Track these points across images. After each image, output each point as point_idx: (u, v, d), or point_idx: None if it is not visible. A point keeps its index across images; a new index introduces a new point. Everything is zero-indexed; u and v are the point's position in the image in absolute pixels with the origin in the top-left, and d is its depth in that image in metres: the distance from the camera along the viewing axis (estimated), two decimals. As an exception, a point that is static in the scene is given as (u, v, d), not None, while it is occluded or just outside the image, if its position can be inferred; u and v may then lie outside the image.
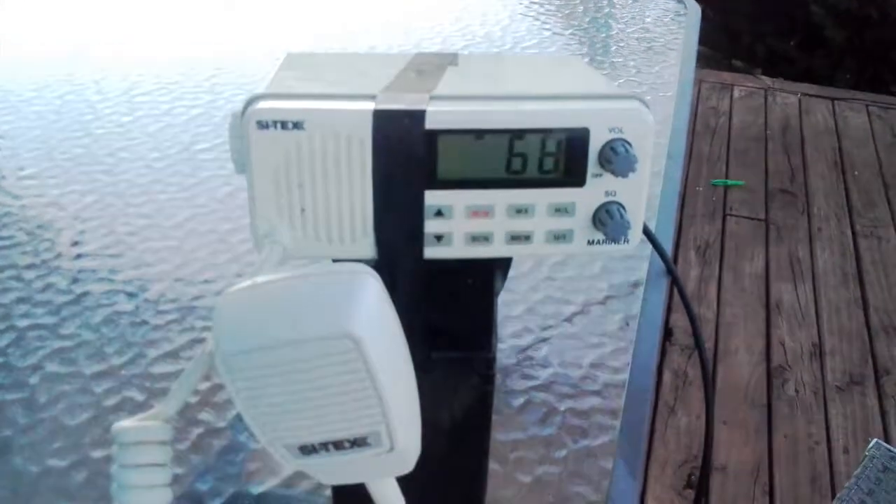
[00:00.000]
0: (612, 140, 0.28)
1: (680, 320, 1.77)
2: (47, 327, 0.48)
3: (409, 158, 0.28)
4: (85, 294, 0.51)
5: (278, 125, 0.27)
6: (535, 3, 0.94)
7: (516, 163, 0.29)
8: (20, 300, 0.50)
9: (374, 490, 0.29)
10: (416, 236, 0.29)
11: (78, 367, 0.45)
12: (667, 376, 1.63)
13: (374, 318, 0.24)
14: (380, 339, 0.24)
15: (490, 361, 0.32)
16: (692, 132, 2.50)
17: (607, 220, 0.29)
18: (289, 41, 0.84)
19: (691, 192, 2.22)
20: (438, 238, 0.30)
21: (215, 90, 0.74)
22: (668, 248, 0.53)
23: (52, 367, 0.45)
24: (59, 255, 0.54)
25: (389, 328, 0.25)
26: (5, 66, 0.77)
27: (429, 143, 0.28)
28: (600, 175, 0.29)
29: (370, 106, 0.28)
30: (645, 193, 0.30)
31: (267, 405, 0.25)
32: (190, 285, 0.51)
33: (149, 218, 0.57)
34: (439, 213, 0.29)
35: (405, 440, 0.26)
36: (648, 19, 0.89)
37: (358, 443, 0.26)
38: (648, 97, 0.73)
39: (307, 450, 0.26)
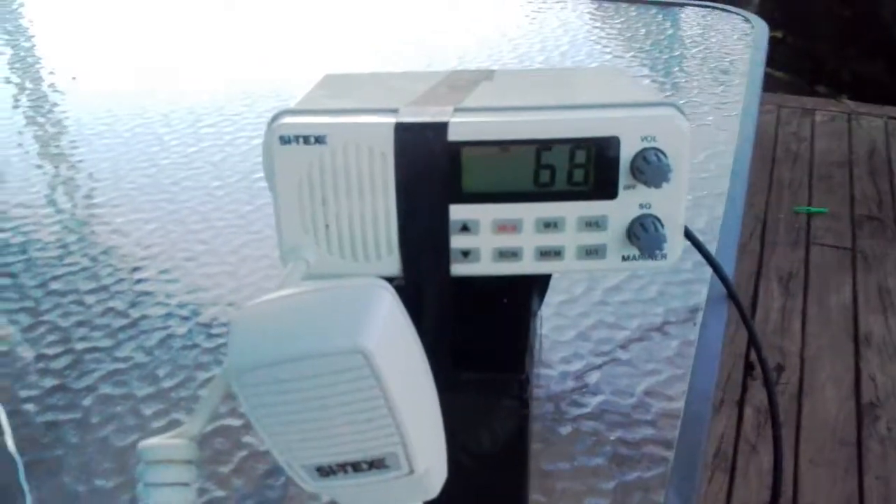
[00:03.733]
0: (644, 149, 0.27)
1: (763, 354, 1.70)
2: (104, 350, 0.49)
3: (432, 172, 0.27)
4: (142, 318, 0.52)
5: (301, 140, 0.27)
6: (596, 27, 0.93)
7: (544, 175, 0.28)
8: (80, 324, 0.51)
9: (400, 517, 0.28)
10: (441, 252, 0.29)
11: (130, 388, 0.46)
12: (748, 412, 1.56)
13: (387, 332, 0.23)
14: (393, 355, 0.23)
15: (523, 383, 0.30)
16: (773, 159, 2.42)
17: (641, 233, 0.28)
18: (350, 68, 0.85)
19: (773, 220, 2.14)
20: (465, 254, 0.29)
21: (276, 120, 0.75)
22: (730, 272, 0.51)
23: (105, 388, 0.46)
24: (119, 280, 0.55)
25: (405, 343, 0.24)
26: (80, 101, 0.81)
27: (452, 155, 0.27)
28: (633, 186, 0.28)
29: (392, 119, 0.27)
30: (682, 205, 0.28)
31: (281, 423, 0.24)
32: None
33: (206, 244, 0.58)
34: (465, 228, 0.28)
35: (426, 464, 0.25)
36: (713, 40, 0.87)
37: (376, 465, 0.25)
38: (710, 117, 0.71)
39: (325, 471, 0.25)
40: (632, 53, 0.84)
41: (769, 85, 2.83)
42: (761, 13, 0.97)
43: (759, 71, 0.79)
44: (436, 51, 0.90)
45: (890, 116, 2.62)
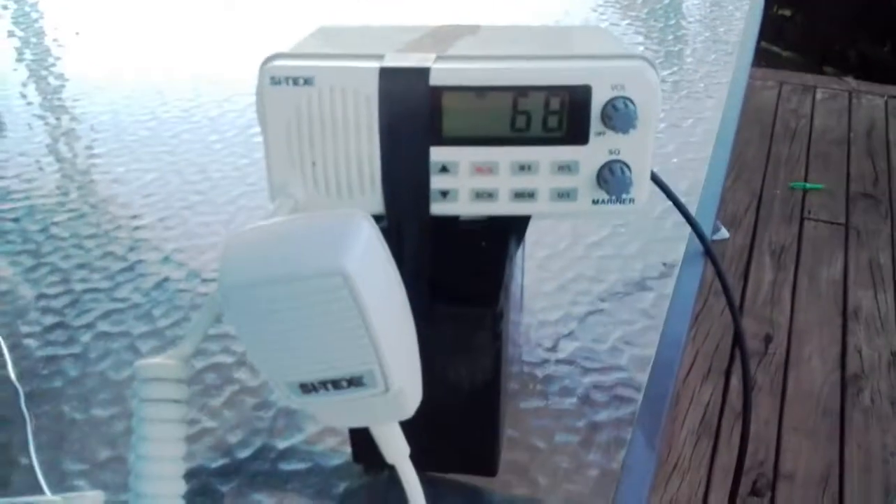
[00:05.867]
0: (614, 97, 0.29)
1: (751, 325, 1.73)
2: (102, 291, 0.51)
3: (414, 115, 0.29)
4: (139, 262, 0.53)
5: (290, 81, 0.29)
6: (595, -6, 0.94)
7: (520, 120, 0.29)
8: (79, 266, 0.53)
9: (378, 436, 0.30)
10: (422, 192, 0.30)
11: (127, 327, 0.48)
12: (734, 382, 1.59)
13: (365, 257, 0.25)
14: (371, 278, 0.25)
15: (497, 317, 0.32)
16: (771, 135, 2.43)
17: (609, 177, 0.29)
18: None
19: (768, 196, 2.16)
20: (444, 194, 0.30)
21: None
22: (707, 229, 0.52)
23: (103, 326, 0.48)
24: (118, 227, 0.57)
25: (382, 269, 0.26)
26: (82, 56, 0.82)
27: (433, 100, 0.29)
28: (603, 133, 0.29)
29: (377, 64, 0.29)
30: (650, 152, 0.30)
31: (266, 342, 0.26)
32: (235, 255, 0.53)
33: (203, 194, 0.60)
34: (444, 169, 0.30)
35: (400, 383, 0.27)
36: (709, 10, 0.88)
37: (354, 382, 0.27)
38: (701, 84, 0.73)
39: (307, 388, 0.27)
40: (627, 21, 0.85)
41: (775, 63, 2.81)
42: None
43: (752, 42, 0.80)
44: (429, 13, 0.91)
45: (891, 95, 2.62)
